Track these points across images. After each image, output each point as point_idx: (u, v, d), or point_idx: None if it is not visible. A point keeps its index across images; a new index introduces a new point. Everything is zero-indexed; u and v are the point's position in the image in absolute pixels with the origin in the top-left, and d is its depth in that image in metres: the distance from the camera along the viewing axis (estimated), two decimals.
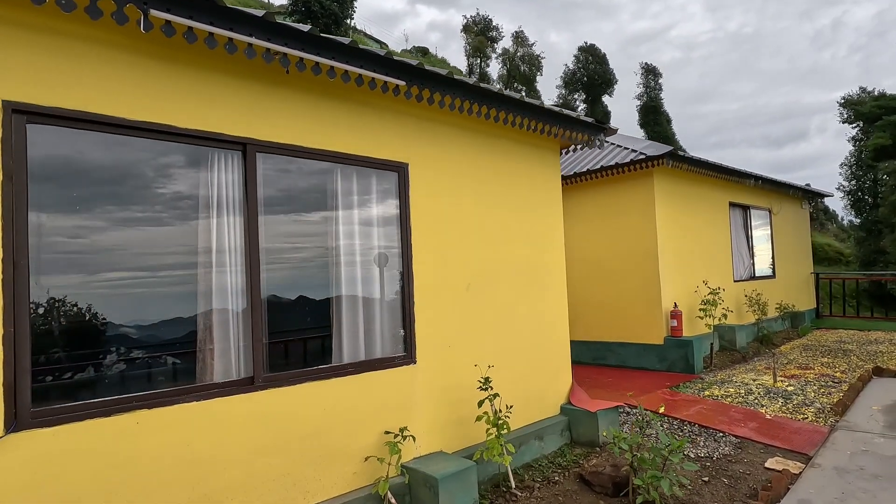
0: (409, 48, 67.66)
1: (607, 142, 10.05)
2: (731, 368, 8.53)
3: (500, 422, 4.27)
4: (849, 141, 29.04)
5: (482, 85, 4.34)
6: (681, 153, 8.33)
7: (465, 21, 70.38)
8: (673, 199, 8.91)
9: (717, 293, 8.63)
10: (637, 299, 8.70)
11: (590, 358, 9.33)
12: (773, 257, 12.00)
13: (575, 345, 9.43)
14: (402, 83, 3.93)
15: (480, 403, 4.31)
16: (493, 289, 5.04)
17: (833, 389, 7.05)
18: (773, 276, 11.85)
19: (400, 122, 4.37)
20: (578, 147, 5.98)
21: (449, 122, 4.72)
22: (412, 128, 4.46)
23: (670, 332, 8.39)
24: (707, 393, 7.07)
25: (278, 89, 3.68)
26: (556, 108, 5.02)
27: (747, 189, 11.00)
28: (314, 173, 3.97)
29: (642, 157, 8.30)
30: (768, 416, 6.05)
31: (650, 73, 60.25)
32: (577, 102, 65.93)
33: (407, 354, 4.29)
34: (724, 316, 8.78)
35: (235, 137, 3.46)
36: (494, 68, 70.17)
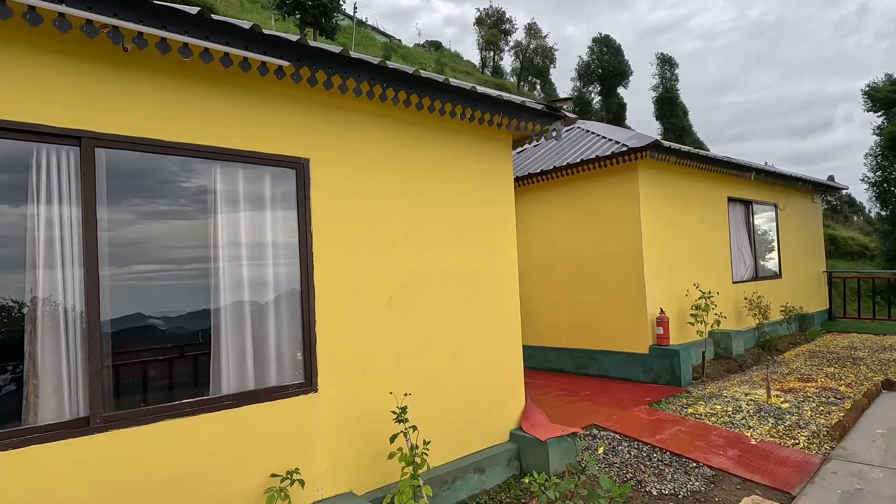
0: (421, 43, 66.98)
1: (593, 133, 9.34)
2: (723, 380, 7.77)
3: (418, 459, 3.66)
4: (874, 131, 27.67)
5: (392, 65, 3.70)
6: (667, 144, 7.58)
7: (478, 14, 69.68)
8: (661, 194, 8.16)
9: (710, 297, 7.87)
10: (621, 304, 7.99)
11: (572, 367, 8.64)
12: (778, 256, 11.14)
13: (556, 352, 8.79)
14: (286, 64, 3.31)
15: (393, 438, 3.69)
16: (426, 300, 4.41)
17: (834, 407, 6.28)
18: (778, 275, 11.00)
19: (299, 111, 3.76)
20: (535, 139, 5.31)
21: (366, 111, 4.10)
22: (316, 118, 3.84)
23: (656, 340, 7.66)
24: (690, 410, 6.36)
25: (132, 73, 3.09)
26: (495, 93, 4.36)
27: (749, 183, 10.16)
28: (185, 172, 3.38)
29: (624, 148, 7.57)
30: (753, 442, 5.33)
31: (666, 64, 58.63)
32: (592, 95, 64.63)
33: (306, 382, 3.68)
34: (718, 322, 8.01)
35: (67, 130, 2.88)
36: (508, 62, 69.36)
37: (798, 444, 5.27)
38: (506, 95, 4.42)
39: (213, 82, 3.38)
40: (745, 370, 8.35)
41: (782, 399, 6.65)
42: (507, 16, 70.15)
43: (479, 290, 4.82)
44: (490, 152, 5.00)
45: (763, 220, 10.86)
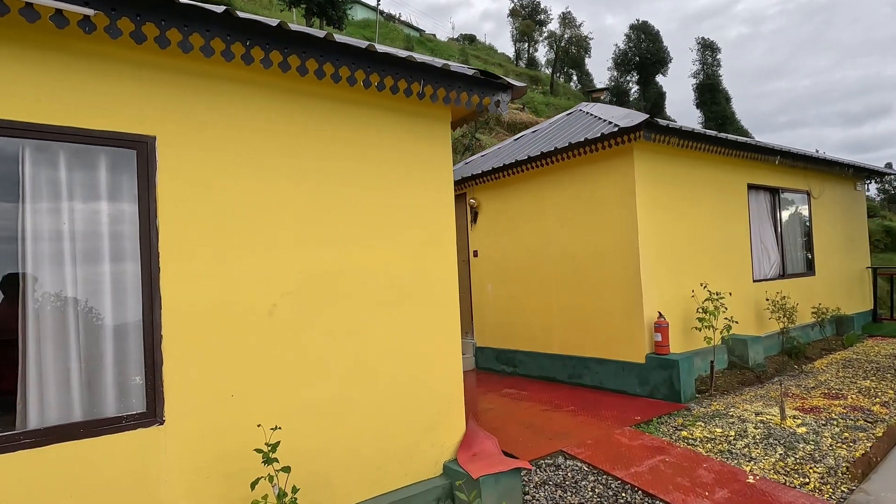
0: (455, 37, 65.96)
1: (592, 115, 8.38)
2: (735, 394, 6.72)
3: None
4: None
5: (246, 16, 2.95)
6: (664, 123, 6.57)
7: (512, 5, 68.24)
8: (663, 182, 7.14)
9: (720, 298, 6.82)
10: (615, 307, 7.03)
11: (565, 376, 7.73)
12: (811, 250, 9.88)
13: (549, 359, 7.92)
14: (92, 13, 2.61)
15: (254, 484, 2.96)
16: (326, 308, 3.66)
17: (862, 433, 5.21)
18: (810, 272, 9.74)
19: (142, 78, 3.05)
20: (480, 114, 4.46)
21: (239, 79, 3.36)
22: (166, 87, 3.12)
23: (654, 348, 6.69)
24: (684, 433, 5.39)
25: None
26: (404, 54, 3.54)
27: (774, 168, 8.96)
28: None
29: (615, 129, 6.61)
30: (751, 479, 4.36)
31: (707, 49, 55.96)
32: (630, 84, 62.33)
33: (147, 412, 2.99)
34: (728, 327, 6.95)
35: None
36: (543, 53, 67.69)
37: (808, 483, 4.27)
38: (419, 57, 3.59)
39: (19, 41, 2.71)
40: (763, 382, 7.26)
41: (799, 421, 5.60)
42: (541, 6, 68.37)
43: (403, 296, 4.03)
44: (420, 131, 4.19)
45: (793, 209, 9.63)
